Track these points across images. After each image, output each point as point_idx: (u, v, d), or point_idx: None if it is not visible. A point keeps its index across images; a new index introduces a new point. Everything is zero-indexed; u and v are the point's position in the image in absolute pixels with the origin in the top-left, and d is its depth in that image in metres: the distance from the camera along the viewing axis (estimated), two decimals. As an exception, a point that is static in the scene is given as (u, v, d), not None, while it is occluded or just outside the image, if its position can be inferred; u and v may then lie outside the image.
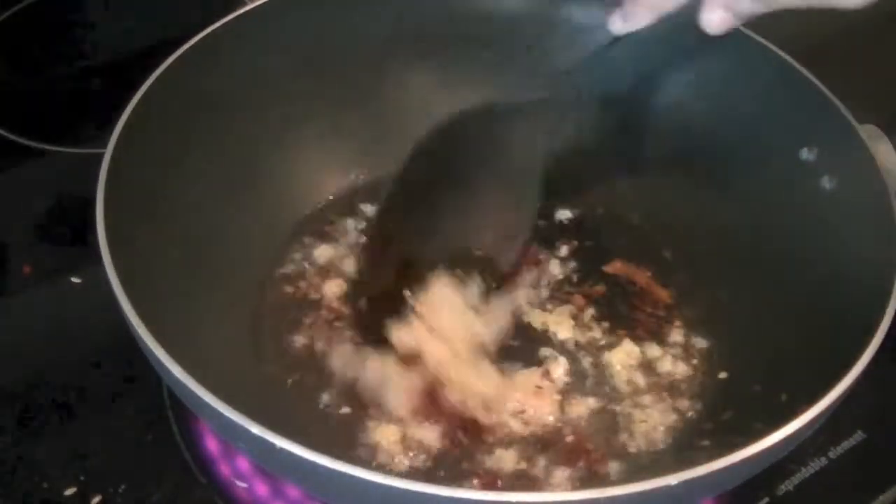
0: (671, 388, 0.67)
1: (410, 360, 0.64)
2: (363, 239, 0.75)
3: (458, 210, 0.71)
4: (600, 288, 0.73)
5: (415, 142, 0.69)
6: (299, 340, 0.69)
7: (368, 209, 0.78)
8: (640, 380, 0.67)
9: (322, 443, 0.60)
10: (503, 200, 0.71)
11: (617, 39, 0.63)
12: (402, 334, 0.65)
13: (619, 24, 0.63)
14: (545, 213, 0.77)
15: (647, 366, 0.68)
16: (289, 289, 0.72)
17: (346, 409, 0.64)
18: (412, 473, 0.61)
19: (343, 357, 0.67)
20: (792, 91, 0.69)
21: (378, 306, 0.67)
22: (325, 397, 0.65)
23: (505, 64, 0.78)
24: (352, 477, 0.45)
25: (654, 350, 0.69)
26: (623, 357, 0.68)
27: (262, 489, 0.64)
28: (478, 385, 0.63)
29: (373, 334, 0.66)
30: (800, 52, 0.69)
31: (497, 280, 0.70)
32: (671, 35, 0.62)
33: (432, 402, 0.64)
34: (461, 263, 0.69)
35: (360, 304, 0.69)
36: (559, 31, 0.77)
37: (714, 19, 0.58)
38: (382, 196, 0.71)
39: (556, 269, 0.75)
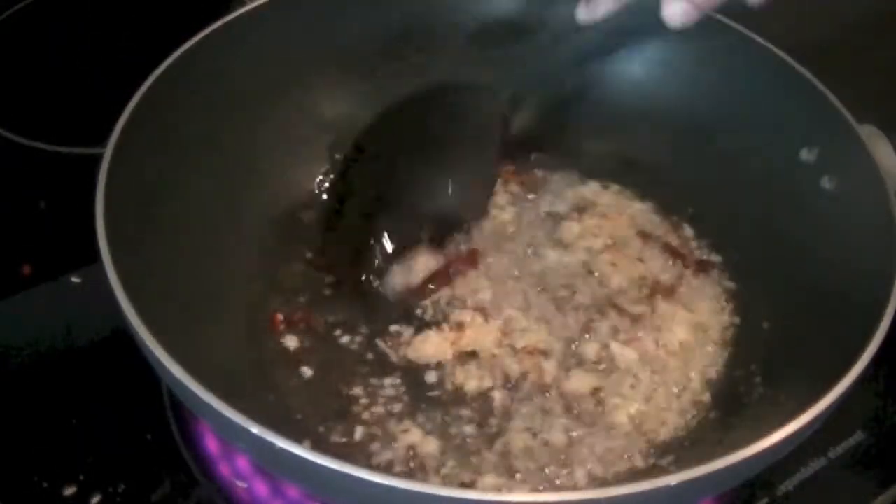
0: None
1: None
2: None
3: (423, 172, 0.73)
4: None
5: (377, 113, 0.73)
6: (300, 340, 0.69)
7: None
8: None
9: (322, 442, 0.60)
10: (464, 162, 0.73)
11: (581, 29, 0.66)
12: None
13: (584, 14, 0.66)
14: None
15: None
16: (289, 288, 0.72)
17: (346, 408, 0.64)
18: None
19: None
20: (792, 91, 0.69)
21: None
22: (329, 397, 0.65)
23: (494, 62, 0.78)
24: (352, 477, 0.45)
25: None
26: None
27: (262, 489, 0.64)
28: None
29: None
30: (800, 52, 0.69)
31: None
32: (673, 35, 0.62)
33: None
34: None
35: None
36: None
37: (676, 12, 0.58)
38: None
39: None
